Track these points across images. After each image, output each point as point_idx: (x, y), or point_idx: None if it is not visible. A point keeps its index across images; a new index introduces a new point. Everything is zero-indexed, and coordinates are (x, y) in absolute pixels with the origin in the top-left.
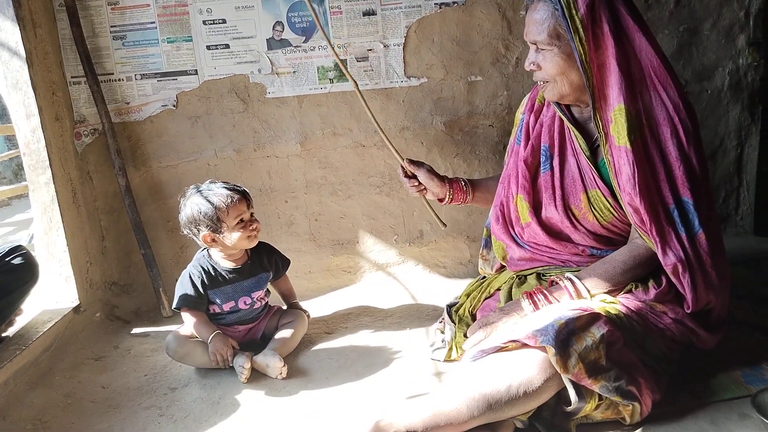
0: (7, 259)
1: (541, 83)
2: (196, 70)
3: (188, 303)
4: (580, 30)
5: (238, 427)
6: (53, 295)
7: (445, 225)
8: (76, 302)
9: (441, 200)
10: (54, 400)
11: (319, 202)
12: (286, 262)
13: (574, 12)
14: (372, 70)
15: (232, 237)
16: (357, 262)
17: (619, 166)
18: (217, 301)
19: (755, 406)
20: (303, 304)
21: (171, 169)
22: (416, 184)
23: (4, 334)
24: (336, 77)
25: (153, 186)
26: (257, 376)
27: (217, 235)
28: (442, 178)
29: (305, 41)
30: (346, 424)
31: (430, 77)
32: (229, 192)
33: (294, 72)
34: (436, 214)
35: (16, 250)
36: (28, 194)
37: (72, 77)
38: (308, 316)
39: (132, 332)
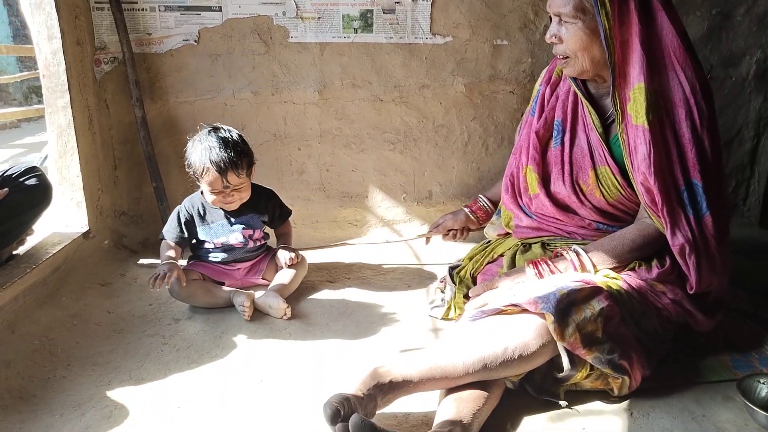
0: (21, 180)
1: (561, 57)
2: (221, 6)
3: (169, 236)
4: (607, 4)
5: (238, 361)
6: (64, 218)
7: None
8: (86, 228)
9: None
10: (60, 320)
11: (332, 153)
12: (285, 212)
13: None
14: (397, 24)
15: (206, 193)
16: (364, 216)
17: (635, 145)
18: (206, 237)
19: (740, 389)
20: (308, 253)
21: (188, 105)
22: (455, 233)
23: (14, 252)
24: (360, 27)
25: (168, 120)
26: (260, 316)
27: (196, 181)
28: (464, 213)
29: None
30: (345, 368)
31: (455, 36)
32: (210, 161)
33: (319, 18)
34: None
35: (31, 170)
36: (36, 118)
37: (95, 2)
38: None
39: (138, 262)
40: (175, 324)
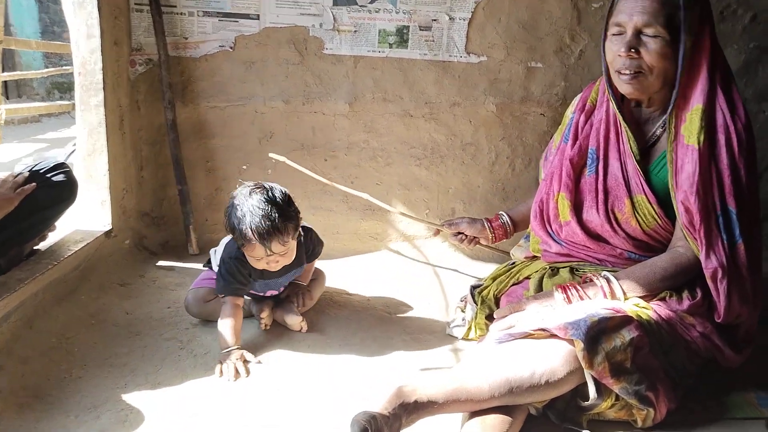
0: (48, 175)
1: (631, 72)
2: (259, 15)
3: (231, 292)
4: (694, 25)
5: (255, 370)
6: (87, 216)
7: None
8: (109, 227)
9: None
10: (78, 318)
11: (358, 165)
12: (318, 250)
13: (693, 3)
14: (433, 41)
15: (248, 258)
16: (385, 230)
17: (682, 163)
18: (253, 289)
19: None
20: (325, 263)
21: (218, 110)
22: (464, 237)
23: (36, 248)
24: (396, 42)
25: (198, 124)
26: (278, 326)
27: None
28: (482, 222)
29: (371, 2)
30: (363, 383)
31: (490, 56)
32: (252, 230)
33: (355, 31)
34: (496, 249)
35: (59, 167)
36: (58, 114)
37: (135, 4)
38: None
39: (158, 264)
40: (192, 329)
